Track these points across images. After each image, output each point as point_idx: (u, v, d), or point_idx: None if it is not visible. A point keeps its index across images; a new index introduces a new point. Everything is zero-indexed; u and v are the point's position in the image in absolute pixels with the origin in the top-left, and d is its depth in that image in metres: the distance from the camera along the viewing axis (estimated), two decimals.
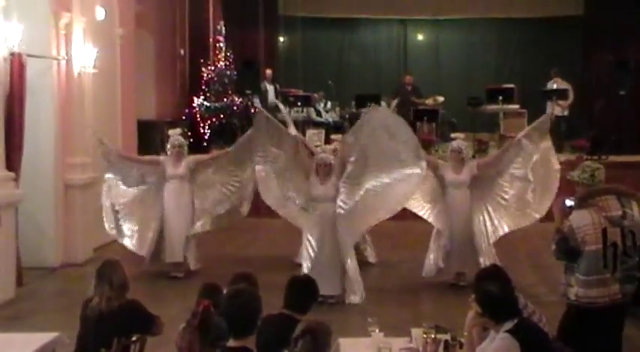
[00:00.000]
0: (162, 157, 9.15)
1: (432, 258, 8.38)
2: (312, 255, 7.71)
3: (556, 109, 14.02)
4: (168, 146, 8.97)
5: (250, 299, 3.70)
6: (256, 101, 14.72)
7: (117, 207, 8.84)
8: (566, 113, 13.93)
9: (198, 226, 8.87)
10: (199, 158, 9.31)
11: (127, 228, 8.90)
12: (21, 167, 8.29)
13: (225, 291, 4.29)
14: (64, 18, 9.38)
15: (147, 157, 9.62)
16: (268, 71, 15.22)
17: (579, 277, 4.77)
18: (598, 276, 4.72)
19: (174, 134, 9.06)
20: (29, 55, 8.34)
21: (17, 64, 8.10)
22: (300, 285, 4.62)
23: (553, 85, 14.33)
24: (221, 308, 3.87)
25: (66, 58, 9.48)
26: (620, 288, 4.76)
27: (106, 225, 8.86)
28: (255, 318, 3.64)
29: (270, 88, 14.86)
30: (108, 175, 8.90)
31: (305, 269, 7.57)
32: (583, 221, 4.72)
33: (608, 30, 15.49)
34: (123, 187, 8.87)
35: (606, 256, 4.70)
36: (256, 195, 8.59)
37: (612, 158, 12.66)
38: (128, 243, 8.88)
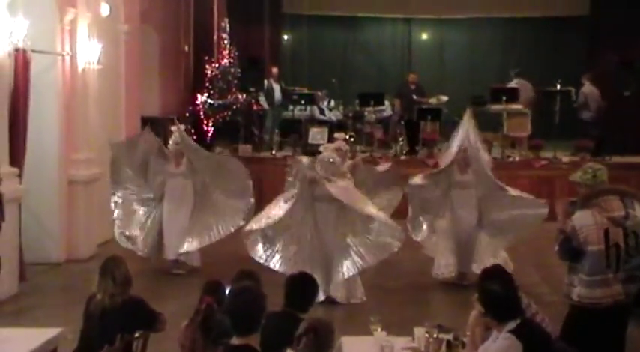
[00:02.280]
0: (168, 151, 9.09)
1: (442, 260, 8.41)
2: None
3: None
4: (170, 143, 8.97)
5: (255, 297, 3.70)
6: (262, 99, 14.73)
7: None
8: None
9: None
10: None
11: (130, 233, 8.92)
12: (25, 162, 8.30)
13: (228, 288, 4.30)
14: (69, 14, 9.38)
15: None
16: (274, 69, 15.18)
17: (582, 277, 4.77)
18: (601, 277, 4.72)
19: (176, 131, 9.05)
20: (34, 51, 8.34)
21: (22, 60, 8.11)
22: (299, 283, 4.62)
23: (514, 85, 14.38)
24: (224, 305, 3.87)
25: (70, 53, 9.47)
26: (623, 288, 4.77)
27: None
28: (259, 316, 3.64)
29: (276, 87, 14.84)
30: (116, 197, 8.87)
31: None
32: (585, 221, 4.73)
33: (613, 30, 15.43)
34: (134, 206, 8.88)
35: (609, 256, 4.71)
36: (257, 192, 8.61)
37: (616, 159, 12.65)
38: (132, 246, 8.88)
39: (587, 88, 14.13)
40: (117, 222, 8.88)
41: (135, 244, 8.83)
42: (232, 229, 8.72)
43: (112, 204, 8.88)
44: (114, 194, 8.89)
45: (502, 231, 8.32)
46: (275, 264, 7.62)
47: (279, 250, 7.66)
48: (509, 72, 14.87)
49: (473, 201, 8.33)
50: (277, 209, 7.71)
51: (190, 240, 8.76)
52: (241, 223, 8.57)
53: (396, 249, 7.59)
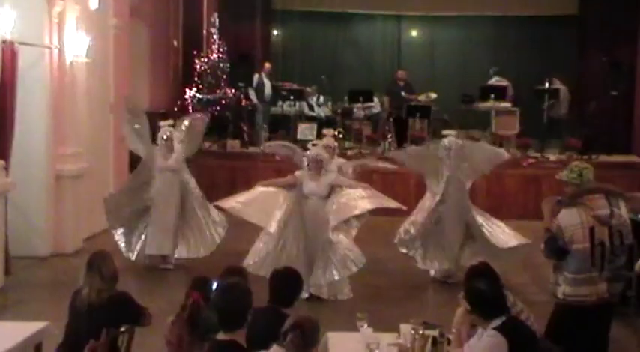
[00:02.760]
0: (156, 148, 9.05)
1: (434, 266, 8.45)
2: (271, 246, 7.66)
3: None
4: (158, 137, 8.93)
5: (242, 294, 3.71)
6: (252, 93, 14.69)
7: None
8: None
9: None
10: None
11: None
12: (12, 156, 8.25)
13: (215, 284, 4.30)
14: (57, 6, 9.31)
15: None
16: (267, 65, 15.11)
17: (567, 276, 4.80)
18: (586, 275, 4.75)
19: (165, 125, 9.02)
20: (21, 43, 8.29)
21: (9, 52, 8.06)
22: (283, 279, 4.62)
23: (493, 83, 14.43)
24: (211, 301, 3.87)
25: (58, 46, 9.41)
26: (608, 287, 4.80)
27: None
28: (246, 312, 3.65)
29: (267, 82, 14.80)
30: (118, 234, 8.83)
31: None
32: (571, 220, 4.75)
33: (601, 30, 15.51)
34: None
35: (594, 255, 4.73)
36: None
37: (603, 158, 12.71)
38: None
39: (558, 86, 14.22)
40: (121, 244, 8.83)
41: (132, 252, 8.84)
42: (216, 244, 8.78)
43: (116, 237, 8.84)
44: (114, 230, 8.88)
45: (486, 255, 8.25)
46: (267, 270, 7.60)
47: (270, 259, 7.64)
48: (489, 70, 14.91)
49: (462, 198, 8.35)
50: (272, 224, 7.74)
51: (176, 245, 8.78)
52: (222, 234, 8.72)
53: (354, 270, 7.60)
